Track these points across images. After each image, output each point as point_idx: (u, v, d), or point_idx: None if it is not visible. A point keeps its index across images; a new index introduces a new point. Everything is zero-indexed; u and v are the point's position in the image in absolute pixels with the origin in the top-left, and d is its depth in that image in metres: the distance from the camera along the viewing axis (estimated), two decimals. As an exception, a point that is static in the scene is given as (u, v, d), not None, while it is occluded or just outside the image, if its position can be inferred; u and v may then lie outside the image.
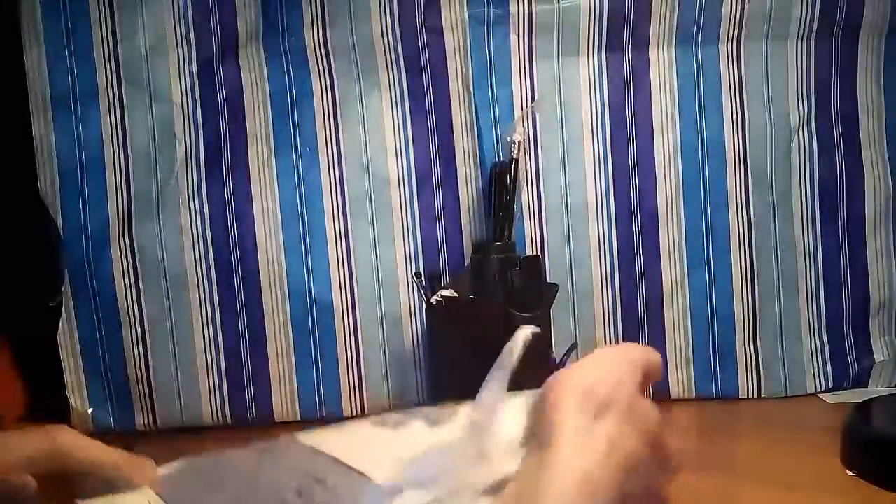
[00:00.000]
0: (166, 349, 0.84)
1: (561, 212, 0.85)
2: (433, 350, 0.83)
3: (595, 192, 0.85)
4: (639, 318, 0.86)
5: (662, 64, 0.84)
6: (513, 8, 0.83)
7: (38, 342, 0.84)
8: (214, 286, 0.84)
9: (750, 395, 0.86)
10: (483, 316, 0.76)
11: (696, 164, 0.84)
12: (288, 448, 0.44)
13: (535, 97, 0.84)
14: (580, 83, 0.84)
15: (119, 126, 0.82)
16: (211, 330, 0.84)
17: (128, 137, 0.82)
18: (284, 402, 0.85)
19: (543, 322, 0.78)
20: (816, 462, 0.64)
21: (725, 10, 0.82)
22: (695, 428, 0.83)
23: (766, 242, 0.85)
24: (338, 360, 0.86)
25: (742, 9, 0.82)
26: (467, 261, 0.84)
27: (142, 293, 0.83)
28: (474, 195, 0.85)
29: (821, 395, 0.85)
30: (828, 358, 0.86)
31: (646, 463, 0.36)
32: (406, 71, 0.85)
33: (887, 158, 0.85)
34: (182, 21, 0.81)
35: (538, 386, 0.39)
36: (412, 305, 0.86)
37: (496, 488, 0.36)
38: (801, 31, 0.83)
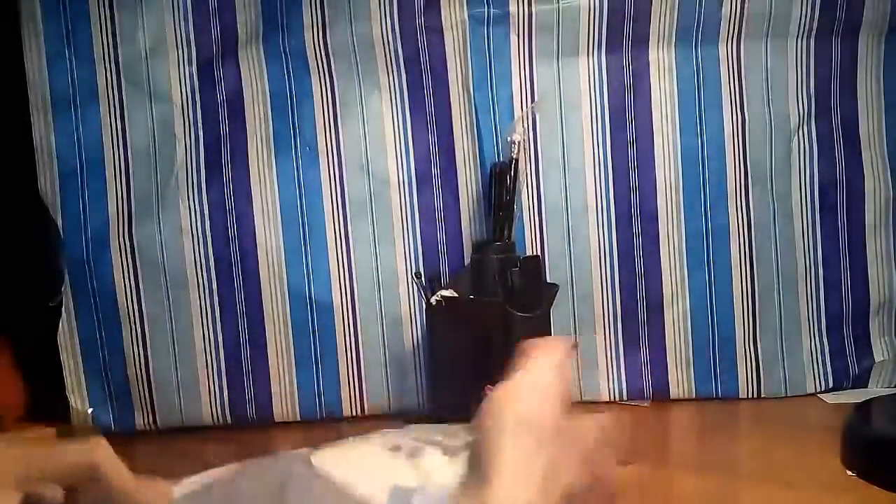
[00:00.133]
0: (166, 349, 0.84)
1: (561, 212, 0.85)
2: (433, 350, 0.83)
3: (595, 191, 0.85)
4: (639, 319, 0.86)
5: (662, 64, 0.84)
6: (513, 8, 0.83)
7: (38, 342, 0.84)
8: (214, 286, 0.84)
9: (750, 396, 0.86)
10: (483, 316, 0.76)
11: (696, 165, 0.84)
12: (301, 475, 0.44)
13: (535, 97, 0.84)
14: (580, 83, 0.84)
15: (119, 126, 0.82)
16: (211, 330, 0.84)
17: (128, 138, 0.82)
18: (284, 402, 0.85)
19: (543, 322, 0.78)
20: (816, 462, 0.64)
21: (725, 8, 0.82)
22: (695, 428, 0.83)
23: (766, 243, 0.85)
24: (337, 360, 0.86)
25: (742, 7, 0.82)
26: (467, 261, 0.84)
27: (142, 293, 0.83)
28: (474, 195, 0.85)
29: (821, 395, 0.85)
30: (828, 358, 0.86)
31: (586, 487, 0.36)
32: (406, 71, 0.85)
33: (887, 159, 0.85)
34: (182, 22, 0.81)
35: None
36: (412, 306, 0.86)
37: None
38: (801, 30, 0.83)
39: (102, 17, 0.80)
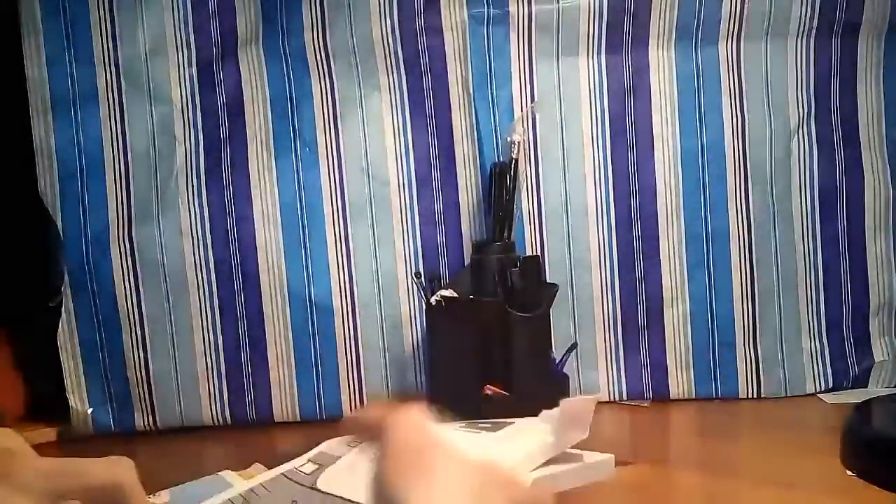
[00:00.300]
0: (166, 350, 0.84)
1: (561, 212, 0.85)
2: (433, 350, 0.83)
3: (595, 192, 0.85)
4: (639, 321, 0.86)
5: (662, 64, 0.84)
6: (512, 8, 0.83)
7: (38, 343, 0.84)
8: (214, 288, 0.84)
9: (750, 396, 0.86)
10: (483, 316, 0.76)
11: (696, 166, 0.84)
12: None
13: (535, 97, 0.84)
14: (580, 83, 0.84)
15: (119, 128, 0.82)
16: (211, 331, 0.84)
17: (127, 139, 0.82)
18: (284, 403, 0.85)
19: (543, 322, 0.78)
20: (816, 462, 0.64)
21: (725, 8, 0.82)
22: (695, 428, 0.83)
23: (766, 244, 0.85)
24: (337, 362, 0.86)
25: (742, 7, 0.82)
26: (467, 261, 0.84)
27: (142, 294, 0.83)
28: (474, 196, 0.85)
29: (821, 396, 0.85)
30: (827, 358, 0.86)
31: None
32: (406, 72, 0.85)
33: (887, 159, 0.85)
34: (182, 23, 0.81)
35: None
36: (412, 308, 0.86)
37: None
38: (801, 30, 0.83)
39: (102, 19, 0.80)
